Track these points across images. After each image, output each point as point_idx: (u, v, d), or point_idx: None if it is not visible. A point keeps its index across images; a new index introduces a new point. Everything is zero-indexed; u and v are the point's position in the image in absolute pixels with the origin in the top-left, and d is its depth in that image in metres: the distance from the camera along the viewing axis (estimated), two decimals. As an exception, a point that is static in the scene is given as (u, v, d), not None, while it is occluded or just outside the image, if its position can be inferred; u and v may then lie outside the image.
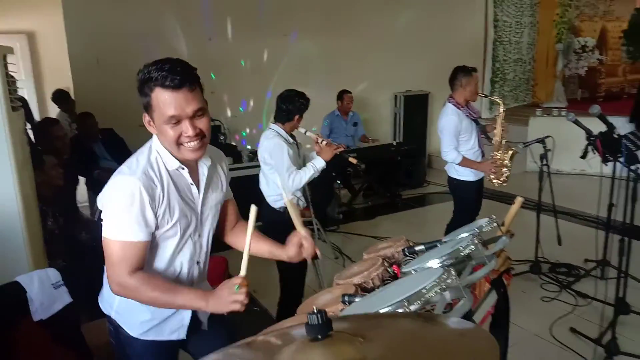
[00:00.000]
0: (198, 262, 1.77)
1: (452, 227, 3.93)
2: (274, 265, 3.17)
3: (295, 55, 6.74)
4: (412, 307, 1.03)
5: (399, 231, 5.22)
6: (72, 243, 3.26)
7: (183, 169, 1.61)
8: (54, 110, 6.20)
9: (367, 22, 7.28)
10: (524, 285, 3.98)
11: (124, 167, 1.56)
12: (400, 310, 0.98)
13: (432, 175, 7.42)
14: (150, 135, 1.66)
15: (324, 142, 3.19)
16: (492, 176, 3.88)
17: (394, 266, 1.78)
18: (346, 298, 1.48)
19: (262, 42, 6.51)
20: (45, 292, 2.23)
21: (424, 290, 1.02)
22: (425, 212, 6.36)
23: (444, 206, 6.06)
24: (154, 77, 1.46)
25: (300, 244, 1.74)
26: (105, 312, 1.76)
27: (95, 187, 5.13)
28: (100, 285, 1.78)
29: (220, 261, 3.30)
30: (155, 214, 1.54)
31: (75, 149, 5.17)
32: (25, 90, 6.35)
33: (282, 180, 3.12)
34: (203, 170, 1.68)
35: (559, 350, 3.13)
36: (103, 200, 1.56)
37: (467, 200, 3.95)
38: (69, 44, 5.45)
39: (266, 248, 1.84)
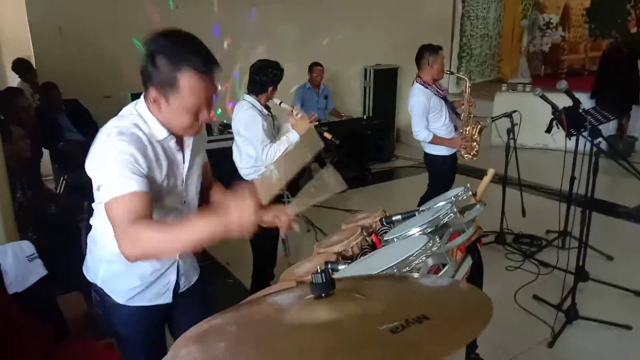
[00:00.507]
0: None
1: (426, 199, 4.00)
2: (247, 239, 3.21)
3: (264, 27, 6.64)
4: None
5: (370, 204, 5.33)
6: (41, 216, 3.20)
7: (171, 138, 1.59)
8: (13, 80, 5.96)
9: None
10: (490, 255, 4.12)
11: (110, 131, 1.49)
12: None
13: (401, 150, 7.53)
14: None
15: (299, 115, 3.17)
16: (462, 151, 3.98)
17: (373, 235, 1.83)
18: (329, 266, 1.52)
19: (230, 11, 6.38)
20: (19, 264, 2.20)
21: (411, 257, 1.07)
22: (394, 186, 6.47)
23: (412, 180, 6.19)
24: (186, 57, 1.39)
25: (277, 214, 1.68)
26: (90, 280, 1.75)
27: (60, 160, 5.01)
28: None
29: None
30: (147, 172, 1.50)
31: (39, 121, 5.02)
32: (-18, 58, 6.09)
33: (256, 153, 3.12)
34: (189, 138, 1.66)
35: (523, 315, 3.29)
36: (94, 166, 1.49)
37: (442, 174, 4.04)
38: (29, 11, 5.23)
39: None
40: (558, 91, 3.22)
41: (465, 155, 4.00)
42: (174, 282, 1.77)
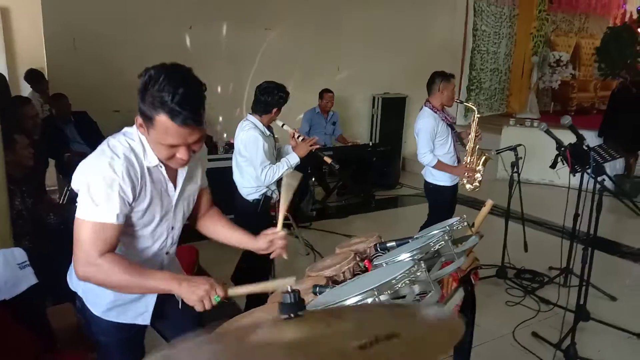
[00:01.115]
0: (168, 253, 1.78)
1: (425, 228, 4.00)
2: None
3: (275, 50, 6.73)
4: (382, 297, 1.05)
5: (372, 230, 5.28)
6: (39, 225, 3.19)
7: (161, 167, 1.60)
8: (26, 89, 6.05)
9: (349, 22, 7.32)
10: (490, 289, 4.06)
11: (105, 149, 1.52)
12: (369, 300, 0.99)
13: (406, 178, 7.51)
14: (125, 121, 1.65)
15: (300, 138, 3.18)
16: (465, 180, 3.96)
17: (366, 261, 1.81)
18: (317, 289, 1.49)
19: (242, 33, 6.47)
20: (10, 271, 2.18)
21: (393, 281, 1.04)
22: (398, 213, 6.44)
23: (416, 208, 6.16)
24: (165, 100, 1.37)
25: (272, 240, 1.74)
26: (72, 289, 1.76)
27: (65, 170, 5.04)
28: (67, 268, 1.76)
29: (190, 250, 3.28)
30: (132, 201, 1.52)
31: (47, 130, 5.06)
32: (-3, 66, 6.19)
33: (255, 173, 3.12)
34: (182, 169, 1.66)
35: (521, 353, 3.21)
36: (80, 180, 1.51)
37: (442, 204, 4.01)
38: (45, 23, 5.32)
39: (236, 237, 1.85)
40: (565, 128, 3.20)
41: (468, 186, 3.98)
42: (153, 304, 1.76)
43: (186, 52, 6.05)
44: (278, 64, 6.62)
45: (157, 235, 1.69)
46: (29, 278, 2.23)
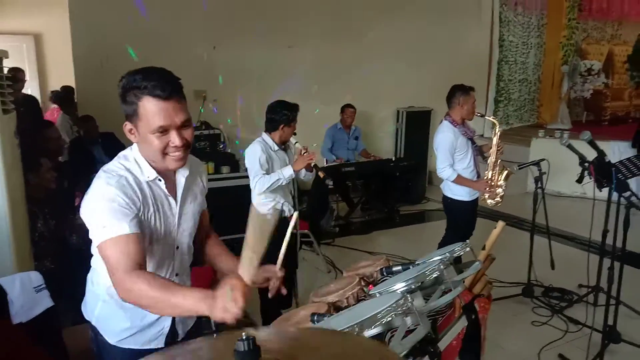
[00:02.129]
0: (177, 274, 1.75)
1: (443, 245, 3.91)
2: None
3: (298, 67, 6.77)
4: (369, 332, 1.03)
5: (395, 247, 5.23)
6: (61, 245, 3.26)
7: (160, 180, 1.60)
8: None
9: (372, 36, 7.32)
10: (515, 309, 3.94)
11: (100, 175, 1.54)
12: (352, 335, 0.97)
13: (432, 192, 7.38)
14: None
15: (304, 152, 3.23)
16: (486, 195, 3.87)
17: (370, 286, 1.77)
18: (315, 317, 1.47)
19: (266, 52, 6.54)
20: (26, 295, 2.22)
21: (378, 315, 1.01)
22: (423, 229, 6.33)
23: (443, 223, 6.02)
24: (142, 85, 1.44)
25: (269, 277, 1.67)
26: (87, 318, 1.75)
27: (91, 191, 5.16)
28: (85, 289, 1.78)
29: (207, 272, 3.29)
30: (137, 211, 1.52)
31: (74, 151, 5.21)
32: (30, 90, 6.41)
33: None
34: (180, 180, 1.67)
35: (545, 376, 3.10)
36: (85, 212, 1.52)
37: (460, 220, 3.94)
38: (74, 46, 5.51)
39: (230, 265, 1.76)
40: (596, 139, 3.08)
41: (489, 201, 3.89)
42: (169, 327, 1.74)
43: (211, 72, 6.14)
44: (301, 80, 6.66)
45: (164, 254, 1.67)
46: (45, 301, 2.27)
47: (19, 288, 2.21)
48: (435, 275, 1.28)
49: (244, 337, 0.65)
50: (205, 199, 1.85)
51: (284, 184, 3.18)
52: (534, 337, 3.52)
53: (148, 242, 1.60)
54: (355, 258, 4.96)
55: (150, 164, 1.58)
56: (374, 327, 1.06)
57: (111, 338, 1.70)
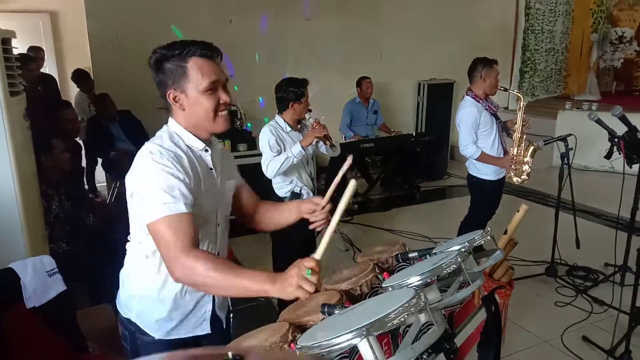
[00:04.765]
0: (218, 254, 1.70)
1: (465, 224, 3.81)
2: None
3: (315, 40, 6.62)
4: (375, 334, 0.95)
5: (415, 225, 5.14)
6: (77, 227, 3.26)
7: (207, 150, 1.59)
8: (74, 89, 6.25)
9: (391, 5, 7.09)
10: (539, 288, 3.84)
11: (151, 148, 1.48)
12: (357, 339, 0.90)
13: (455, 168, 7.22)
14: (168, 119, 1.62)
15: (316, 128, 3.14)
16: (512, 173, 3.73)
17: (385, 273, 1.69)
18: (326, 309, 1.40)
19: (280, 25, 6.40)
20: (39, 279, 2.22)
21: (391, 316, 0.94)
22: (444, 206, 6.19)
23: (465, 200, 5.88)
24: (188, 49, 1.49)
25: (314, 209, 1.71)
26: (124, 316, 1.68)
27: (110, 168, 5.17)
28: (108, 268, 1.75)
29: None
30: (191, 184, 1.48)
31: (92, 130, 5.21)
32: (47, 68, 6.41)
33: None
34: (217, 153, 1.66)
35: (569, 359, 3.01)
36: (134, 184, 1.48)
37: (485, 199, 3.81)
38: (88, 23, 5.46)
39: (293, 211, 1.80)
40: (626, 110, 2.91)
41: (515, 179, 3.74)
42: (210, 311, 1.70)
43: (227, 45, 6.01)
44: (319, 54, 6.51)
45: (207, 233, 1.63)
46: (57, 285, 2.26)
47: (31, 272, 2.20)
48: (452, 268, 1.20)
49: (230, 356, 0.59)
50: (238, 174, 1.84)
51: (295, 162, 3.06)
52: (557, 318, 3.42)
53: (197, 215, 1.52)
54: (374, 236, 4.90)
55: (192, 135, 1.57)
56: (377, 332, 0.97)
57: (156, 332, 1.65)
